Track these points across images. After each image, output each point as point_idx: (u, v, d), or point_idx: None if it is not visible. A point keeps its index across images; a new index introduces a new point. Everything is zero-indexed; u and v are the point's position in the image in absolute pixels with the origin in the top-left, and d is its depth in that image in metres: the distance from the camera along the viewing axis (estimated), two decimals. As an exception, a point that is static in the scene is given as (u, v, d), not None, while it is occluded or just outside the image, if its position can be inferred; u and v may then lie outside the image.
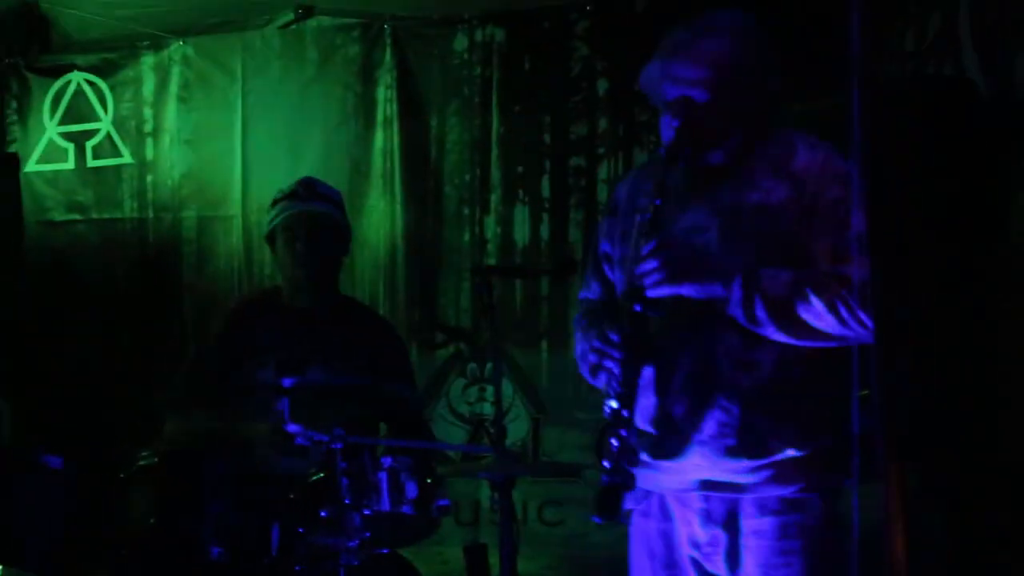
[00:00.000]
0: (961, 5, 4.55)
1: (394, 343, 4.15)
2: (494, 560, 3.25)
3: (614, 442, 2.57)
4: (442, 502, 3.36)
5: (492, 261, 5.45)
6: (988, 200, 3.96)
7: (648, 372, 2.63)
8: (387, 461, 3.27)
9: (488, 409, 5.36)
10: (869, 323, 2.45)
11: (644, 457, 2.68)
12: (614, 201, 2.94)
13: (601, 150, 5.43)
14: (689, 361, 2.64)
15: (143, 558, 3.12)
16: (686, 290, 2.59)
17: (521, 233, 5.51)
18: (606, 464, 2.57)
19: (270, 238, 4.06)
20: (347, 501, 3.16)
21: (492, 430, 3.42)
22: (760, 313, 2.54)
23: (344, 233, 4.09)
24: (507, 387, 5.37)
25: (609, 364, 2.61)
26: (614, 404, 2.59)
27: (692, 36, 2.69)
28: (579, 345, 2.88)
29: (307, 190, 4.00)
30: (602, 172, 5.42)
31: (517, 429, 5.38)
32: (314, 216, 3.96)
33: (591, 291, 2.97)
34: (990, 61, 4.47)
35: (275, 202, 4.06)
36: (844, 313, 2.51)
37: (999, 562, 3.62)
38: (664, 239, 2.60)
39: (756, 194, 2.64)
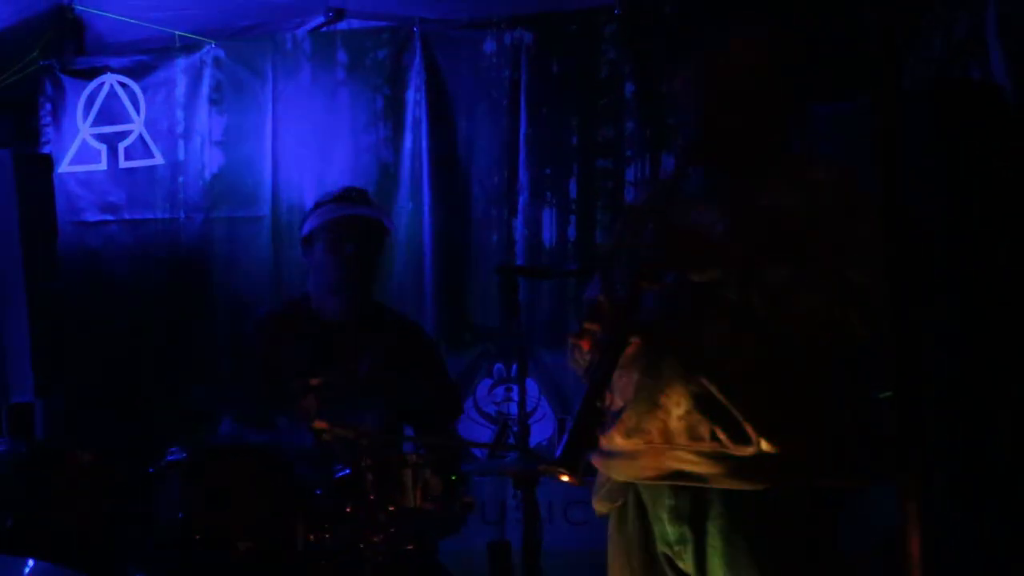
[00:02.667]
0: (988, 8, 4.55)
1: (423, 345, 4.17)
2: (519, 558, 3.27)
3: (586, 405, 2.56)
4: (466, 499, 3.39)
5: (519, 262, 5.47)
6: (1014, 205, 3.96)
7: (633, 349, 2.63)
8: (411, 458, 3.30)
9: (515, 409, 5.37)
10: (869, 327, 2.48)
11: (619, 442, 2.69)
12: (633, 202, 2.98)
13: (628, 152, 5.44)
14: (676, 339, 2.63)
15: (171, 553, 3.16)
16: (683, 271, 2.60)
17: (548, 234, 5.53)
18: (570, 422, 2.58)
19: (307, 240, 4.03)
20: (372, 497, 3.19)
21: (516, 429, 3.44)
22: (757, 300, 2.55)
23: (387, 241, 4.12)
24: (533, 387, 5.39)
25: (597, 336, 2.64)
26: (593, 373, 2.59)
27: (715, 43, 2.73)
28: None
29: (358, 196, 4.01)
30: (629, 174, 5.43)
31: (543, 429, 5.41)
32: (367, 221, 3.97)
33: (593, 288, 2.97)
34: (1018, 64, 4.46)
35: (318, 204, 4.04)
36: (838, 314, 2.52)
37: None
38: (667, 223, 2.62)
39: (767, 197, 2.66)
